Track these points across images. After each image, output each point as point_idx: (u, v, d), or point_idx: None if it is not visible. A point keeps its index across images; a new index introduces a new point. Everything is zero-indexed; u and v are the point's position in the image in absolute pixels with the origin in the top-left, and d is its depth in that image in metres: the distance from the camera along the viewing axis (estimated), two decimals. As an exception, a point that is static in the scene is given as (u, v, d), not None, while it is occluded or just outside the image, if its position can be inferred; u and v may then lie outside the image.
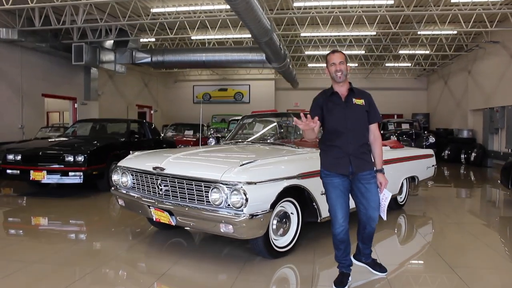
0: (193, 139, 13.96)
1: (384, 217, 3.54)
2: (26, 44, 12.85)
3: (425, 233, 5.41)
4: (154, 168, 4.19)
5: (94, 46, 14.20)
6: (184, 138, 14.19)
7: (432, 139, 15.88)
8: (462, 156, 14.93)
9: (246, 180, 3.62)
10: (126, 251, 4.48)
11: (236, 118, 16.24)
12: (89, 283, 3.56)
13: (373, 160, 3.48)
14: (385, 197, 3.52)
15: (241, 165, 3.77)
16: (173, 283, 3.64)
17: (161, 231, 5.12)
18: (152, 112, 23.52)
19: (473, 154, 14.19)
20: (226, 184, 3.64)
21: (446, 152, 15.73)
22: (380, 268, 3.73)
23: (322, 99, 3.47)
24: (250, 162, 3.84)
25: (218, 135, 13.10)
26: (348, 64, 3.45)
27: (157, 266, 4.00)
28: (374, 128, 3.50)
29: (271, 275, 3.78)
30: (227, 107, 25.19)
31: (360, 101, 3.42)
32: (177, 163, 4.24)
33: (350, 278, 3.49)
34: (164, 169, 4.11)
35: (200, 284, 3.61)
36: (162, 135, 15.29)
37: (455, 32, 14.68)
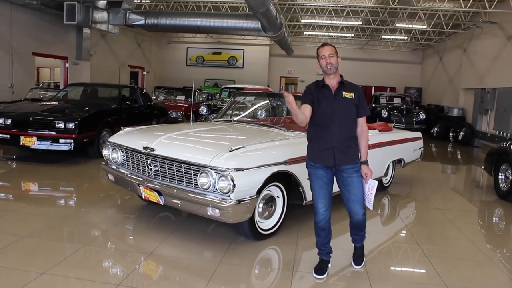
0: (184, 105, 13.95)
1: (371, 207, 3.59)
2: (16, 0, 12.48)
3: (406, 219, 5.60)
4: (145, 148, 4.25)
5: (86, 5, 13.77)
6: (176, 104, 14.15)
7: (422, 116, 16.03)
8: (451, 134, 15.10)
9: (234, 166, 3.70)
10: (115, 226, 4.59)
11: (229, 86, 16.19)
12: (80, 260, 3.68)
13: (359, 153, 3.55)
14: (371, 186, 3.55)
15: (230, 151, 3.83)
16: (159, 262, 3.77)
17: (149, 204, 5.20)
18: (144, 73, 23.24)
19: (462, 133, 14.36)
20: (215, 170, 3.72)
21: (435, 129, 15.90)
22: (358, 260, 3.81)
23: (313, 89, 3.52)
24: (239, 148, 3.91)
25: (210, 103, 13.08)
26: (338, 57, 3.48)
27: (145, 244, 4.13)
28: (362, 122, 3.54)
29: (254, 258, 3.92)
30: (221, 71, 25.02)
31: (350, 95, 3.47)
32: (167, 144, 4.29)
33: (329, 265, 3.65)
34: (155, 149, 4.17)
35: (185, 265, 3.74)
36: (154, 97, 15.24)
37: (453, 9, 14.54)
